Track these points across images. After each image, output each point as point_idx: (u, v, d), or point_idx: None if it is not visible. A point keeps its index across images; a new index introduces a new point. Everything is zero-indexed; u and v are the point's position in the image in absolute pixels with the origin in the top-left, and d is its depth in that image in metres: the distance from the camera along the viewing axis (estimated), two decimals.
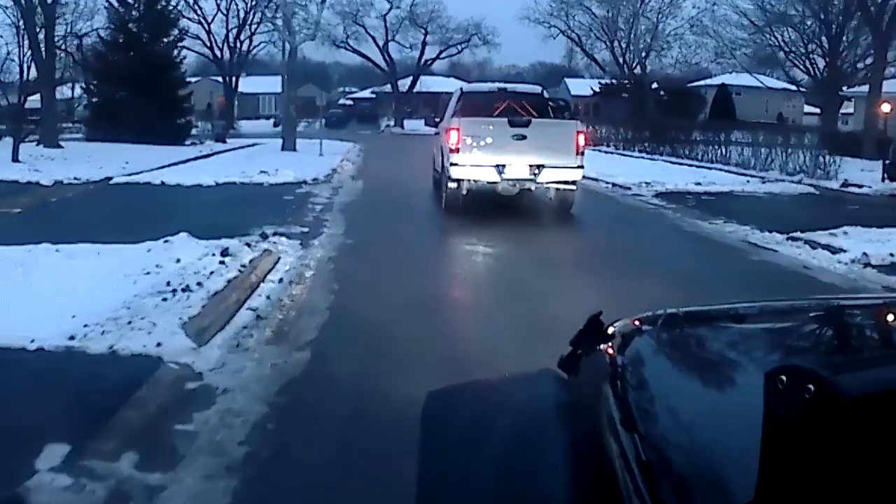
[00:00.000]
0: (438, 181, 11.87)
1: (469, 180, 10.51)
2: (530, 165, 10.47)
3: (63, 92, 30.20)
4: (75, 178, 14.28)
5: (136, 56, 27.36)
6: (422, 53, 57.68)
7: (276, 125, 53.97)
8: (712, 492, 0.84)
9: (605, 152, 28.00)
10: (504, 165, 10.47)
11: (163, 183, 13.80)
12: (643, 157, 25.70)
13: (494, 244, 8.61)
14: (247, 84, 67.40)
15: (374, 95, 65.27)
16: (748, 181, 16.55)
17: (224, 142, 29.36)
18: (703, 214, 11.39)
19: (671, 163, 22.83)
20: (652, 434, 0.95)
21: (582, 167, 10.58)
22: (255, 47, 48.19)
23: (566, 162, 10.52)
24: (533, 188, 10.75)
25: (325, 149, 23.72)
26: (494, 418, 1.09)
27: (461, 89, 12.59)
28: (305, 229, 9.08)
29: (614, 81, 57.87)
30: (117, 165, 16.46)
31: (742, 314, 1.41)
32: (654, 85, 53.03)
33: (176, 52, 30.81)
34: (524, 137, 10.47)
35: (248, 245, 7.06)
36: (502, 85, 13.47)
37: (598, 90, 59.62)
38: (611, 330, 1.26)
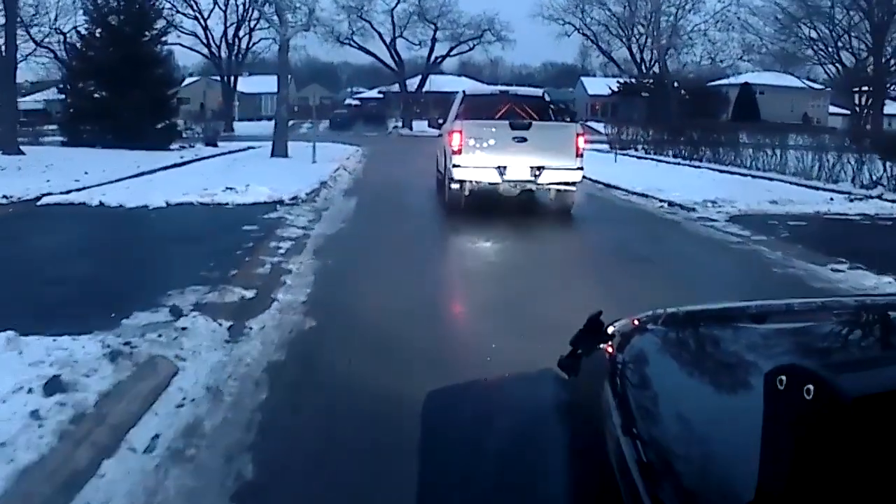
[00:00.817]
0: (441, 182, 12.31)
1: (471, 181, 10.87)
2: (531, 167, 10.81)
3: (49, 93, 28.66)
4: (3, 197, 12.09)
5: (117, 52, 25.47)
6: (431, 50, 54.00)
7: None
8: (712, 492, 0.84)
9: (637, 157, 26.32)
10: (505, 167, 10.82)
11: (101, 204, 11.45)
12: (682, 164, 23.79)
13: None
14: (248, 84, 64.16)
15: (381, 95, 61.42)
16: (831, 198, 14.23)
17: (215, 145, 27.91)
18: (812, 254, 8.61)
19: (719, 171, 20.46)
20: (652, 434, 0.94)
21: (582, 168, 10.93)
22: (254, 44, 44.50)
23: (566, 164, 10.88)
24: (534, 189, 11.13)
25: (322, 154, 21.80)
26: (494, 418, 1.09)
27: (464, 92, 13.01)
28: (250, 293, 6.04)
29: (633, 80, 56.50)
30: (73, 177, 14.52)
31: (742, 314, 1.40)
32: (674, 84, 50.51)
33: (161, 47, 29.34)
34: (525, 140, 10.86)
35: (117, 355, 4.12)
36: (504, 88, 14.14)
37: (616, 89, 58.44)
38: (611, 330, 1.25)
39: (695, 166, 21.72)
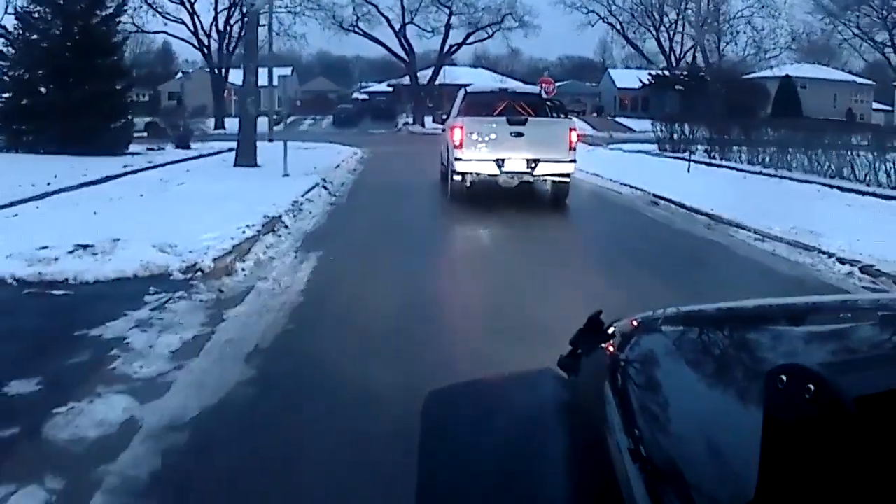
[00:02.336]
0: (445, 174, 13.66)
1: (472, 173, 11.91)
2: (527, 160, 11.72)
3: None
4: None
5: (63, 36, 21.55)
6: (445, 38, 48.04)
7: (276, 123, 44.92)
8: (712, 492, 0.86)
9: (703, 163, 20.94)
10: (503, 160, 11.71)
11: None
12: (777, 176, 18.22)
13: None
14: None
15: (390, 89, 54.78)
16: None
17: (188, 147, 24.73)
18: None
19: (840, 189, 15.30)
20: (652, 434, 0.97)
21: (574, 161, 12.12)
22: (247, 33, 38.37)
23: (560, 156, 11.81)
24: (531, 180, 12.13)
25: (306, 160, 18.46)
26: (494, 418, 1.11)
27: (465, 90, 14.00)
28: None
29: (666, 72, 53.21)
30: None
31: (742, 314, 1.43)
32: (711, 76, 46.87)
33: (116, 29, 24.08)
34: (521, 135, 11.76)
35: None
36: (503, 86, 16.14)
37: (647, 82, 53.96)
38: (611, 329, 1.29)
39: (801, 180, 16.74)
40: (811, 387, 0.72)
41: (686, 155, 23.52)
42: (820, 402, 0.71)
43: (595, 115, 55.87)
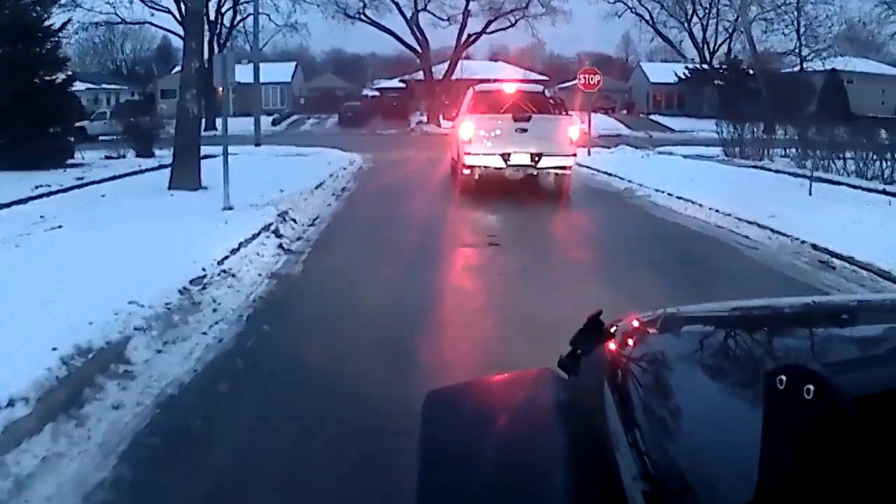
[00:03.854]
0: (454, 168, 15.01)
1: (480, 167, 12.93)
2: (531, 154, 12.62)
3: None
4: None
5: None
6: (463, 26, 42.35)
7: (274, 123, 39.84)
8: (712, 491, 0.88)
9: (817, 179, 14.30)
10: (509, 154, 12.63)
11: None
12: None
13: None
14: (246, 73, 52.21)
15: (403, 84, 49.10)
16: None
17: (151, 155, 20.65)
18: None
19: None
20: (652, 433, 0.99)
21: (575, 155, 13.42)
22: (240, 21, 33.55)
23: (561, 151, 12.76)
24: (534, 173, 13.22)
25: (285, 174, 14.59)
26: (494, 418, 1.13)
27: (473, 89, 15.02)
28: None
29: (706, 66, 47.31)
30: None
31: (742, 314, 1.43)
32: (751, 70, 41.94)
33: (46, 11, 19.02)
34: (526, 130, 12.66)
35: None
36: (508, 83, 16.19)
37: (683, 76, 49.50)
38: (611, 329, 1.30)
39: None
40: (811, 387, 0.73)
41: (763, 162, 20.47)
42: (820, 402, 0.72)
43: (625, 112, 52.32)
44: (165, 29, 39.86)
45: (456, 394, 1.24)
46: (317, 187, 14.07)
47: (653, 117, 50.51)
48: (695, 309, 1.38)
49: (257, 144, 26.91)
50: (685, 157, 23.08)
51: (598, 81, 22.72)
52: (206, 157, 14.92)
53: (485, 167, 12.82)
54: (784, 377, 0.77)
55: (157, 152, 21.38)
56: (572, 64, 67.04)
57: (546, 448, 1.01)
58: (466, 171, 12.98)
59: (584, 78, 22.54)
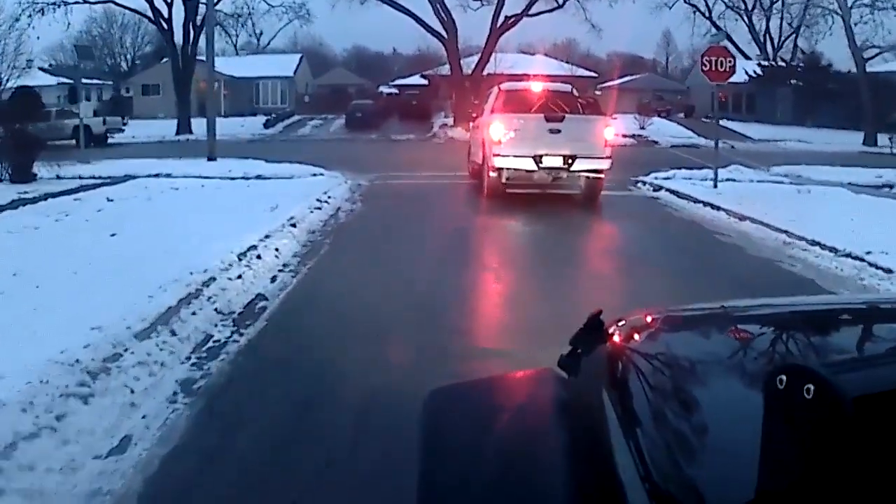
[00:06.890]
0: (479, 172, 14.31)
1: (509, 168, 12.57)
2: (564, 156, 12.26)
3: None
4: None
5: None
6: (499, 8, 33.54)
7: (266, 125, 32.93)
8: (712, 491, 0.88)
9: None
10: (541, 156, 12.23)
11: None
12: None
13: None
14: (240, 66, 45.02)
15: (425, 81, 41.43)
16: None
17: (31, 179, 14.07)
18: None
19: None
20: (652, 433, 0.99)
21: (610, 157, 12.70)
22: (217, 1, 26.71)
23: (596, 153, 12.41)
24: (565, 176, 12.76)
25: (185, 241, 7.76)
26: (495, 417, 1.13)
27: (499, 87, 14.33)
28: None
29: (782, 63, 41.59)
30: None
31: (742, 314, 1.41)
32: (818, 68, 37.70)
33: None
34: (559, 131, 12.34)
35: None
36: (537, 83, 15.05)
37: (755, 74, 40.77)
38: (611, 329, 1.29)
39: None
40: (811, 387, 0.74)
41: None
42: (819, 402, 0.73)
43: (683, 115, 44.83)
44: (129, 9, 33.29)
45: (456, 393, 1.24)
46: (205, 284, 5.80)
47: (723, 123, 43.04)
48: (695, 309, 1.38)
49: (211, 159, 18.89)
50: (849, 186, 14.00)
51: (732, 68, 13.84)
52: (78, 189, 12.02)
53: (515, 169, 12.38)
54: (784, 377, 0.77)
55: (56, 169, 14.72)
56: (604, 64, 60.73)
57: (546, 447, 1.01)
58: (494, 174, 12.51)
59: (711, 62, 13.66)
